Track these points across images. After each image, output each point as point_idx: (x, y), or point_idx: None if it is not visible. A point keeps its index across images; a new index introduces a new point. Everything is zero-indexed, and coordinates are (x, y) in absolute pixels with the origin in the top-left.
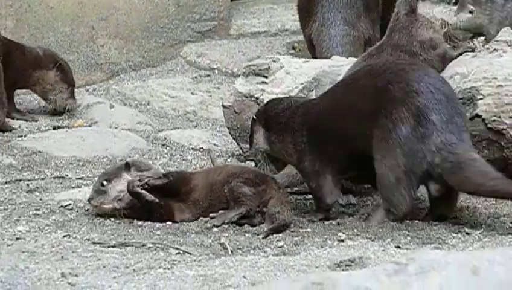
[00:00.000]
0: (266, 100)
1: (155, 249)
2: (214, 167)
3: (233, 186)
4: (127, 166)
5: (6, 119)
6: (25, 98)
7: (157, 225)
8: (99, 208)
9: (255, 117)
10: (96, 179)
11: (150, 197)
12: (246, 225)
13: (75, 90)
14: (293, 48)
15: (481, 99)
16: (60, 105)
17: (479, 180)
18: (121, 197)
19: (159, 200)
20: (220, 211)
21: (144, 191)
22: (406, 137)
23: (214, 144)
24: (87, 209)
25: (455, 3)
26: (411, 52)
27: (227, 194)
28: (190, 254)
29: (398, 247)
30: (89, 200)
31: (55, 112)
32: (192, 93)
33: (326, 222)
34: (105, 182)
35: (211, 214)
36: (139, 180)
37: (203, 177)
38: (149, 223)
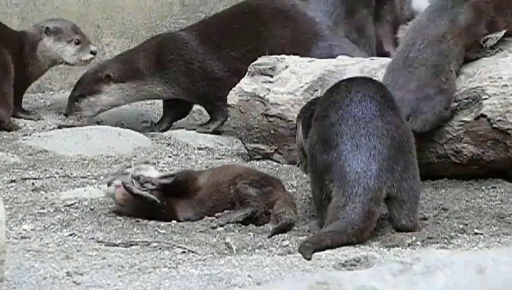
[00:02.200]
0: (271, 100)
1: (160, 248)
2: (220, 167)
3: (239, 188)
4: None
5: (12, 119)
6: (30, 96)
7: (162, 224)
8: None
9: (298, 114)
10: (101, 178)
11: (148, 195)
12: (251, 225)
13: None
14: None
15: (486, 99)
16: (75, 62)
17: None
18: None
19: (160, 200)
20: (225, 211)
21: (141, 192)
22: None
23: (219, 143)
24: (92, 208)
25: None
26: None
27: (232, 195)
28: (195, 253)
29: (404, 246)
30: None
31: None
32: None
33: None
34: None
35: (216, 214)
36: (140, 179)
37: (209, 176)
38: (154, 222)
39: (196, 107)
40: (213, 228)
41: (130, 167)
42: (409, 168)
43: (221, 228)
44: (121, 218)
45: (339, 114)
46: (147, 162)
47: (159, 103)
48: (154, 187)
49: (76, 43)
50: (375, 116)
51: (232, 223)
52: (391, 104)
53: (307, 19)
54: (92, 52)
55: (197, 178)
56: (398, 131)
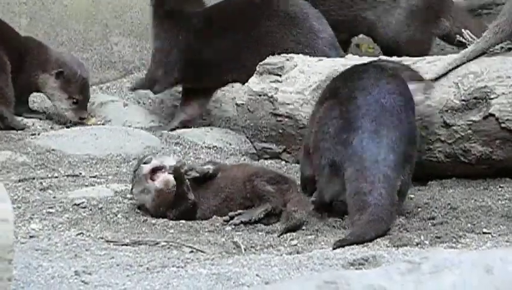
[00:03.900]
0: (279, 99)
1: (168, 248)
2: (237, 164)
3: (257, 185)
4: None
5: (19, 118)
6: (38, 96)
7: (171, 223)
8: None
9: None
10: (110, 177)
11: (189, 189)
12: (259, 224)
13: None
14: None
15: (495, 98)
16: (60, 115)
17: None
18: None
19: (193, 198)
20: (238, 211)
21: (186, 181)
22: None
23: (228, 143)
24: (101, 208)
25: None
26: None
27: (248, 191)
28: (203, 252)
29: (412, 246)
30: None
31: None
32: None
33: (339, 221)
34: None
35: (230, 213)
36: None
37: (226, 169)
38: (162, 221)
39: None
40: (235, 225)
41: (149, 157)
42: (413, 166)
43: (230, 228)
44: (129, 217)
45: (367, 99)
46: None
47: (167, 102)
48: (197, 175)
49: (75, 102)
50: (400, 111)
51: (254, 220)
52: (412, 102)
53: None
54: (80, 118)
55: (223, 170)
56: (413, 129)
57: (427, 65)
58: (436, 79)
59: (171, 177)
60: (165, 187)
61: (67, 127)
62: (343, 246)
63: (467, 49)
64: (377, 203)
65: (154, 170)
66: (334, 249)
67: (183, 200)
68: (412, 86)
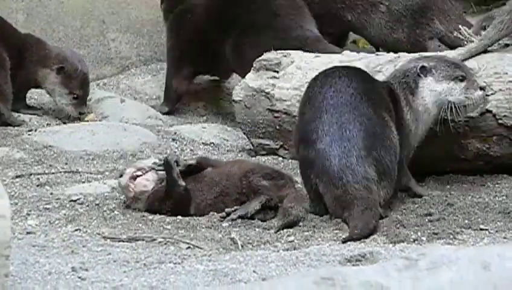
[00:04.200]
0: (276, 95)
1: (165, 244)
2: (232, 160)
3: (253, 180)
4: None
5: (16, 114)
6: (36, 92)
7: (168, 219)
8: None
9: None
10: (107, 173)
11: (179, 176)
12: (256, 220)
13: None
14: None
15: (492, 94)
16: (60, 109)
17: None
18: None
19: (184, 184)
20: (235, 207)
21: (176, 168)
22: None
23: (224, 139)
24: (98, 204)
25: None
26: None
27: (244, 187)
28: (200, 248)
29: (409, 242)
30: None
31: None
32: (203, 88)
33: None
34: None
35: (226, 209)
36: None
37: (222, 165)
38: (159, 217)
39: (202, 103)
40: (233, 220)
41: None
42: (388, 153)
43: (227, 224)
44: (126, 213)
45: (313, 110)
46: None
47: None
48: (181, 168)
49: (75, 98)
50: (348, 109)
51: (251, 212)
52: (366, 94)
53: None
54: (80, 113)
55: (209, 163)
56: (371, 121)
57: None
58: None
59: (149, 176)
60: (145, 188)
61: (64, 123)
62: (353, 240)
63: (470, 45)
64: (357, 197)
65: (133, 178)
66: (343, 242)
67: (175, 188)
68: (452, 85)
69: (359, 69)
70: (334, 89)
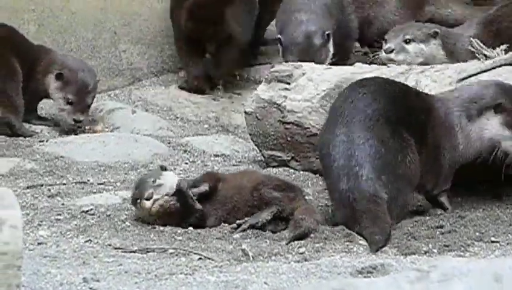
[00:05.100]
0: (288, 107)
1: (176, 255)
2: (241, 172)
3: (264, 193)
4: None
5: (27, 125)
6: (48, 102)
7: (179, 230)
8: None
9: None
10: (118, 184)
11: (196, 203)
12: (267, 231)
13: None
14: None
15: None
16: (59, 115)
17: None
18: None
19: (200, 207)
20: (246, 218)
21: (190, 193)
22: None
23: (236, 150)
24: (109, 215)
25: None
26: None
27: (256, 200)
28: (212, 259)
29: (420, 254)
30: (137, 199)
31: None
32: (214, 99)
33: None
34: (156, 180)
35: (237, 221)
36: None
37: (232, 178)
38: (170, 228)
39: (213, 114)
40: (244, 230)
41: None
42: (398, 179)
43: (238, 235)
44: (137, 224)
45: (329, 123)
46: (162, 167)
47: (175, 109)
48: (195, 197)
49: (69, 103)
50: (361, 129)
51: (262, 222)
52: (386, 115)
53: None
54: (74, 120)
55: (220, 179)
56: (384, 145)
57: (435, 73)
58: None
59: (166, 199)
60: (162, 209)
61: (76, 134)
62: (383, 247)
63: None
64: (368, 210)
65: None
66: (376, 251)
67: (192, 211)
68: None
69: (396, 84)
70: (353, 105)
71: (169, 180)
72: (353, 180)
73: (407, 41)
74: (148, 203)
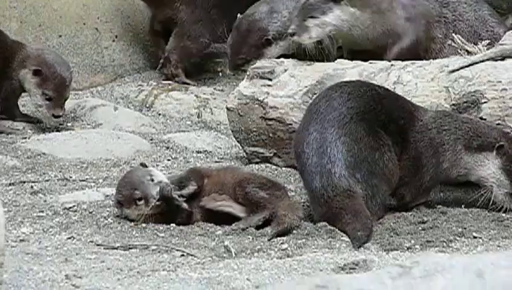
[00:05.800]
0: (270, 103)
1: (159, 252)
2: (225, 168)
3: (250, 192)
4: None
5: (7, 122)
6: (29, 99)
7: (161, 227)
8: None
9: None
10: (100, 181)
11: (183, 204)
12: (249, 228)
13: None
14: None
15: (485, 102)
16: (36, 111)
17: None
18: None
19: (188, 207)
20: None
21: (176, 197)
22: None
23: (218, 147)
24: (91, 212)
25: None
26: None
27: (240, 197)
28: (194, 256)
29: (402, 250)
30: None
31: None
32: (196, 96)
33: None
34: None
35: (234, 224)
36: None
37: (215, 175)
38: (152, 225)
39: (195, 111)
40: (233, 230)
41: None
42: (374, 177)
43: (220, 231)
44: (119, 221)
45: (304, 121)
46: (142, 164)
47: (157, 106)
48: (184, 198)
49: (48, 99)
50: (334, 127)
51: (252, 227)
52: (362, 115)
53: None
54: (53, 115)
55: (204, 174)
56: (358, 143)
57: (418, 69)
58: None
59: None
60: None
61: (58, 131)
62: (365, 242)
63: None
64: (345, 206)
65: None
66: (359, 247)
67: (179, 212)
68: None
69: (376, 87)
70: (328, 104)
71: (162, 177)
72: (326, 177)
73: (305, 20)
74: (153, 203)
